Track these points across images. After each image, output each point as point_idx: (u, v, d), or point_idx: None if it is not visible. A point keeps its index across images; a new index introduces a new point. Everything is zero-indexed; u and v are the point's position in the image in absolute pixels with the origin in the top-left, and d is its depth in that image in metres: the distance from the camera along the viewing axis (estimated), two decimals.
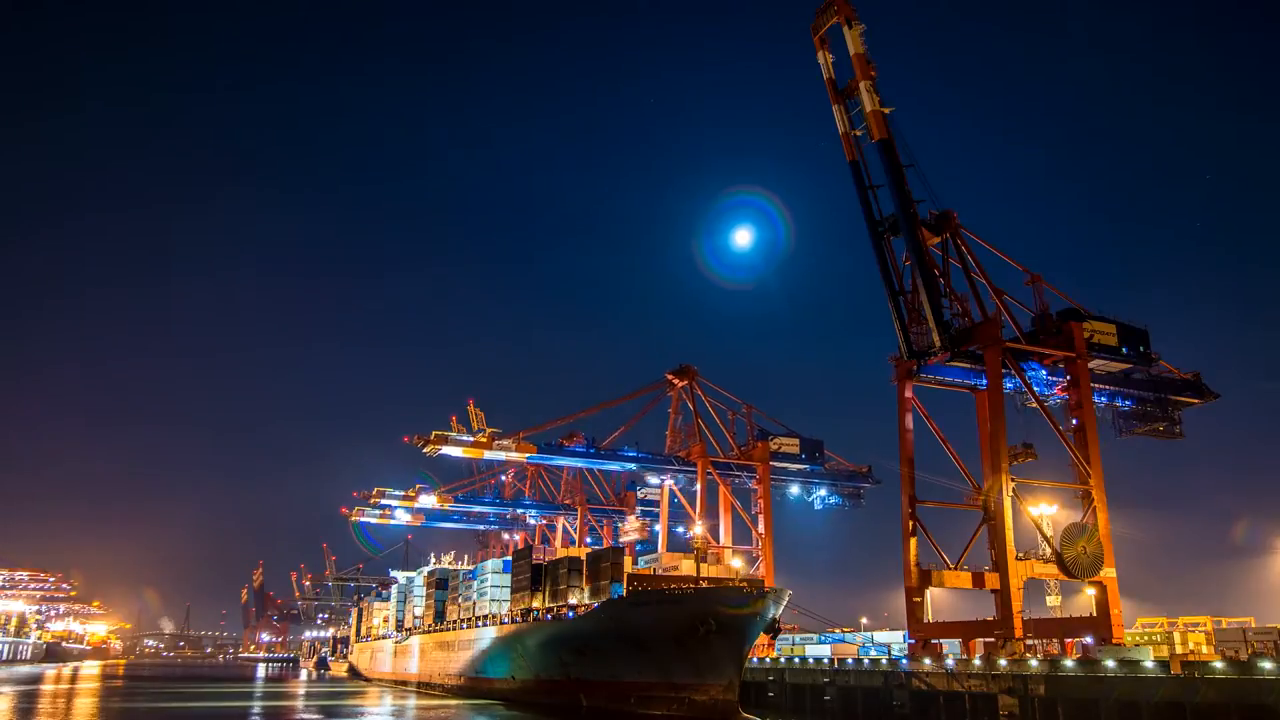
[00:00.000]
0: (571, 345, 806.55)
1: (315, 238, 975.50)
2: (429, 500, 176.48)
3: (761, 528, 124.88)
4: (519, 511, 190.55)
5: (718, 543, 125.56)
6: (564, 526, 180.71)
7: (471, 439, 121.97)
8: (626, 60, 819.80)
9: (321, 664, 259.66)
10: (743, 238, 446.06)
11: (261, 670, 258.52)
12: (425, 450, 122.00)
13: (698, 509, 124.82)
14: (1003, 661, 65.58)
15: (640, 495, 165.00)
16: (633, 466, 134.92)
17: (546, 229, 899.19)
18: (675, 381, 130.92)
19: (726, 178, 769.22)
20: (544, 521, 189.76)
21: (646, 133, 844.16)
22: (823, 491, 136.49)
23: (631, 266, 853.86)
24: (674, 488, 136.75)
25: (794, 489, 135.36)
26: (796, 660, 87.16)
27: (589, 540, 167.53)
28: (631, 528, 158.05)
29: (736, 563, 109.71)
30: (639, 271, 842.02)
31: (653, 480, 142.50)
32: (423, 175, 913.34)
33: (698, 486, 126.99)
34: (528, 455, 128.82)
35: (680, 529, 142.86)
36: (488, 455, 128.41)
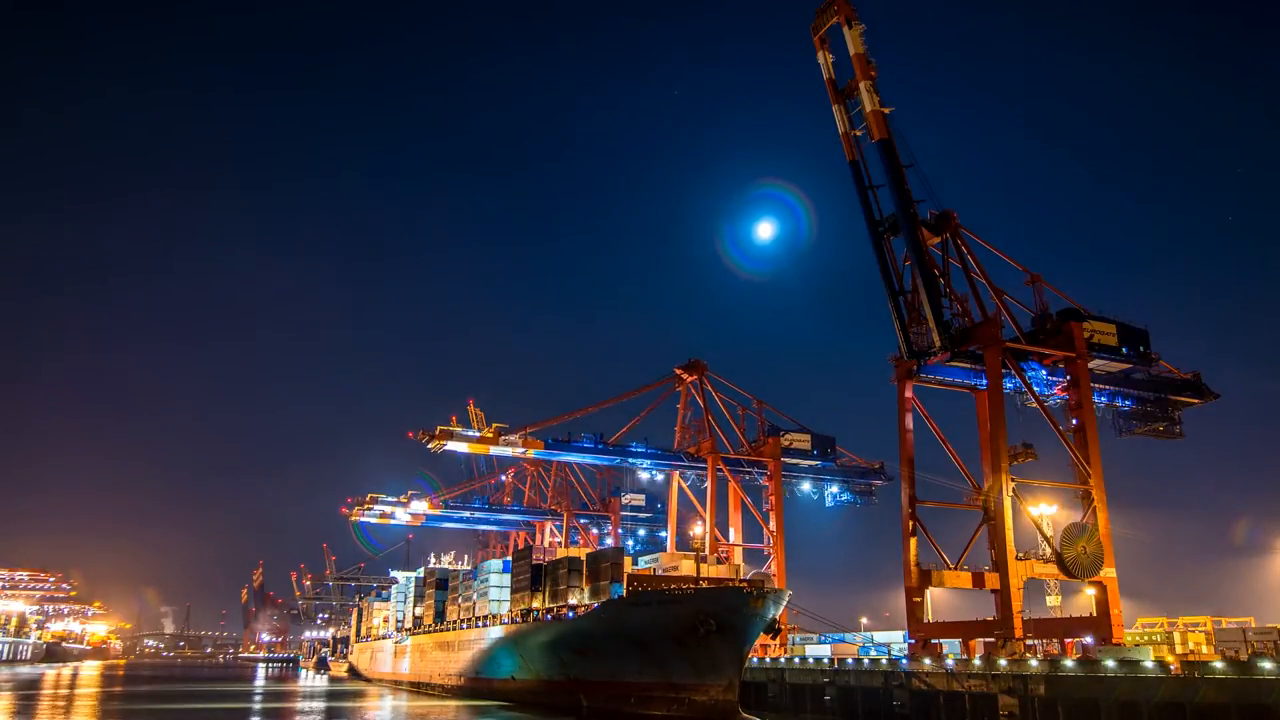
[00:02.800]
0: (581, 339, 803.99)
1: (318, 239, 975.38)
2: (421, 506, 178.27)
3: (773, 525, 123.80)
4: (504, 517, 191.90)
5: (728, 540, 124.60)
6: (550, 530, 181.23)
7: (477, 434, 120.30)
8: (655, 53, 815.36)
9: (321, 664, 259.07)
10: (765, 230, 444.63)
11: (261, 670, 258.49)
12: (430, 446, 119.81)
13: (708, 506, 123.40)
14: (1003, 661, 65.58)
15: (624, 500, 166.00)
16: (641, 463, 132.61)
17: (557, 223, 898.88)
18: (684, 376, 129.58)
19: (754, 170, 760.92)
20: (551, 525, 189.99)
21: (676, 124, 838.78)
22: (834, 488, 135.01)
23: (650, 261, 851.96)
24: (683, 485, 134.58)
25: (805, 485, 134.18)
26: (796, 660, 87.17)
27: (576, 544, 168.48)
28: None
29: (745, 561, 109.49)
30: (657, 266, 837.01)
31: (642, 475, 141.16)
32: (434, 172, 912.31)
33: (707, 483, 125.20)
34: (535, 451, 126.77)
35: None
36: (494, 451, 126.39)
